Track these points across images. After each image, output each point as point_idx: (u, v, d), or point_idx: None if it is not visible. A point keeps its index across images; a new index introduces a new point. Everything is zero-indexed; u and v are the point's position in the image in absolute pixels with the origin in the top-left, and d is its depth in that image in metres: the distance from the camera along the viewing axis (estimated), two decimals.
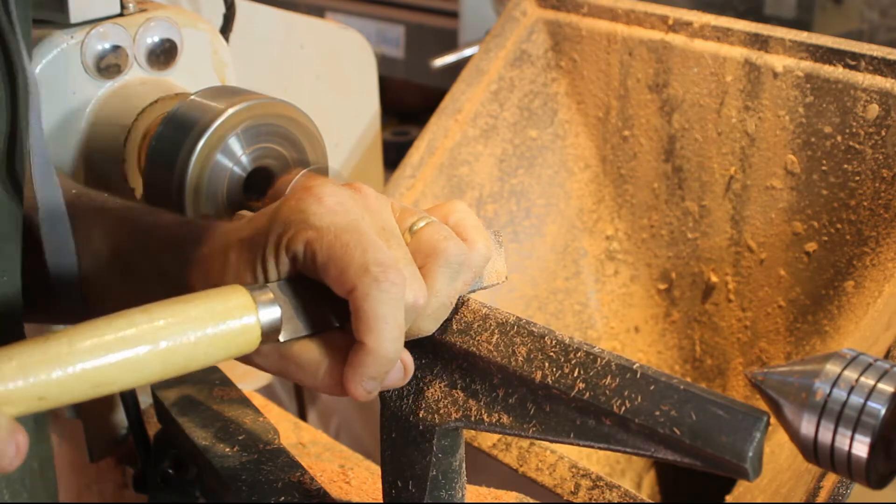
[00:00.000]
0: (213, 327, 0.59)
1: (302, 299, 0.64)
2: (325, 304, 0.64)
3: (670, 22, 1.14)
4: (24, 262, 0.72)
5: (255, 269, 0.64)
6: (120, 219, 0.77)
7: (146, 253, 0.73)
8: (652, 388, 0.58)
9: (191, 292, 0.61)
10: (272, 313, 0.62)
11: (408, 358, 0.65)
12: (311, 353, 0.64)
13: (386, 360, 0.61)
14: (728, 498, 1.02)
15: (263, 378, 1.24)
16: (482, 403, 0.66)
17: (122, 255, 0.74)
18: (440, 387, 0.68)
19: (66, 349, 0.55)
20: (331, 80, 1.42)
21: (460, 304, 0.68)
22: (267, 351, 0.63)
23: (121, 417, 1.05)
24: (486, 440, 0.99)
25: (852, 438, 0.53)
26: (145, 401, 1.02)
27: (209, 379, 0.94)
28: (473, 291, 0.70)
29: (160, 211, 0.78)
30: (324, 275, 0.62)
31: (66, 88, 0.96)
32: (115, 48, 0.97)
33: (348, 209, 0.63)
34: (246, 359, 0.64)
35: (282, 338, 0.63)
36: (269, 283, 0.63)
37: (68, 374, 0.54)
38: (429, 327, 0.66)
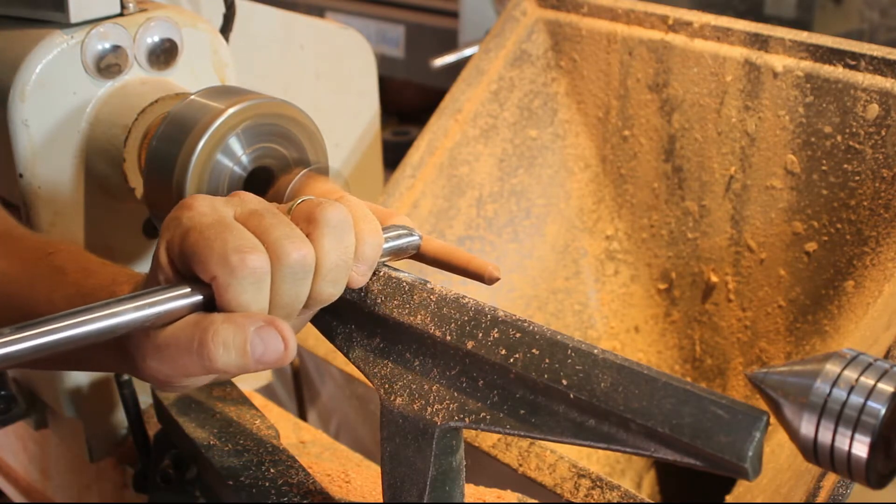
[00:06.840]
0: None
1: None
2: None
3: (670, 22, 1.14)
4: None
5: (155, 279, 0.68)
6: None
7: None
8: (652, 388, 0.58)
9: None
10: None
11: (288, 333, 0.65)
12: (185, 330, 0.65)
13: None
14: (728, 498, 1.02)
15: (263, 378, 1.24)
16: (482, 403, 0.66)
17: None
18: (440, 386, 0.68)
19: None
20: (331, 80, 1.42)
21: (459, 303, 0.68)
22: (145, 349, 0.65)
23: (121, 417, 1.05)
24: (486, 440, 0.99)
25: (852, 438, 0.53)
26: (145, 401, 1.02)
27: None
28: (393, 252, 0.73)
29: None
30: (195, 270, 0.65)
31: (66, 88, 0.96)
32: (115, 48, 0.97)
33: (216, 209, 0.67)
34: (134, 368, 0.67)
35: None
36: None
37: None
38: (329, 290, 0.68)
